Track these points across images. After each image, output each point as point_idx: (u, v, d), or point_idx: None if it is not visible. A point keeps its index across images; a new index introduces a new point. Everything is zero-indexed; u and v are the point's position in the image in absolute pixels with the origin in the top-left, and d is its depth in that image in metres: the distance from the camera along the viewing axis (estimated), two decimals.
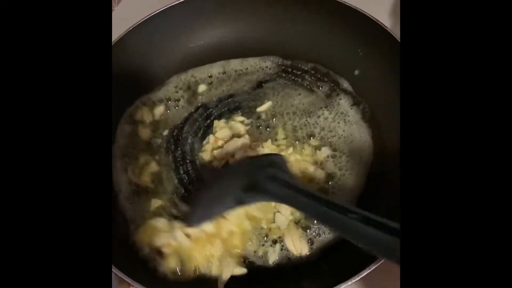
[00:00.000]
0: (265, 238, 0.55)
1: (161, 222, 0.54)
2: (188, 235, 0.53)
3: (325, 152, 0.61)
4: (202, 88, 0.69)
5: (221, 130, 0.63)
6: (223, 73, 0.71)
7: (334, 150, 0.62)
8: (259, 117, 0.66)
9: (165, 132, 0.65)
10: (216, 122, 0.65)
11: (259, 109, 0.66)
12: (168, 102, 0.68)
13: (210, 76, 0.70)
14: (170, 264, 0.52)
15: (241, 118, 0.65)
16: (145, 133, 0.65)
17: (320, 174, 0.59)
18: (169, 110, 0.67)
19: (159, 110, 0.67)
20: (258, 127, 0.65)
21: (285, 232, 0.55)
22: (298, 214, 0.56)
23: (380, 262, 0.44)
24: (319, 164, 0.60)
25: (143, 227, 0.54)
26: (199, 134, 0.65)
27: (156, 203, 0.58)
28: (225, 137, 0.63)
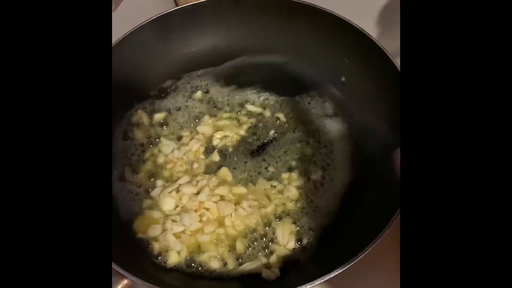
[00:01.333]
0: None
1: (157, 214, 0.59)
2: (178, 236, 0.57)
3: None
4: (198, 95, 0.72)
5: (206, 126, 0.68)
6: (216, 81, 0.73)
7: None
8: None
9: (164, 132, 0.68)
10: (206, 117, 0.69)
11: (249, 108, 0.70)
12: (170, 111, 0.70)
13: (207, 85, 0.73)
14: (173, 259, 0.56)
15: (227, 115, 0.70)
16: (139, 134, 0.67)
17: None
18: (170, 117, 0.70)
19: (160, 116, 0.69)
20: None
21: (278, 224, 0.59)
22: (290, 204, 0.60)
23: (362, 256, 0.47)
24: None
25: (141, 216, 0.59)
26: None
27: (146, 203, 0.61)
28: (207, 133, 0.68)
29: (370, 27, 0.79)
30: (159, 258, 0.56)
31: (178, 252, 0.56)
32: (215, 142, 0.67)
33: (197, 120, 0.69)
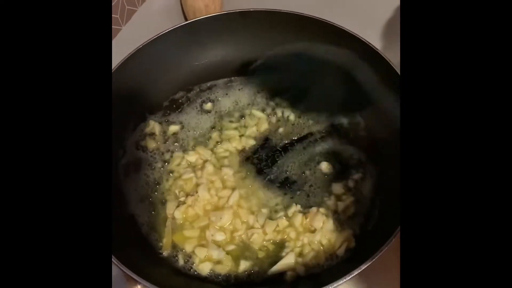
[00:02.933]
0: None
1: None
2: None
3: None
4: (208, 106, 0.74)
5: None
6: (225, 94, 0.76)
7: None
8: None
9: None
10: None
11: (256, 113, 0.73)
12: (181, 123, 0.72)
13: (217, 96, 0.75)
14: (205, 270, 0.58)
15: (235, 125, 0.72)
16: (151, 144, 0.69)
17: None
18: (183, 129, 0.72)
19: (173, 128, 0.71)
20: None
21: None
22: None
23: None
24: None
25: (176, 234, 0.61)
26: None
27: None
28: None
29: (375, 40, 0.81)
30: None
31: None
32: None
33: (208, 131, 0.71)
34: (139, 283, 0.49)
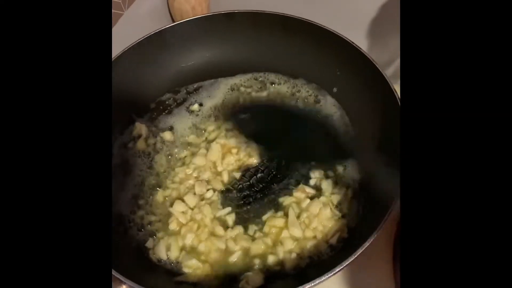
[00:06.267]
0: None
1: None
2: None
3: None
4: (195, 107, 0.75)
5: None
6: (208, 96, 0.76)
7: None
8: None
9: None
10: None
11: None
12: (170, 127, 0.73)
13: (204, 97, 0.76)
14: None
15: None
16: (139, 145, 0.70)
17: None
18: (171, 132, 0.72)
19: (166, 135, 0.71)
20: None
21: None
22: None
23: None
24: None
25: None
26: None
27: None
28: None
29: (360, 40, 0.82)
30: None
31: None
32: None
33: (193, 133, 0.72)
34: (124, 283, 0.49)
